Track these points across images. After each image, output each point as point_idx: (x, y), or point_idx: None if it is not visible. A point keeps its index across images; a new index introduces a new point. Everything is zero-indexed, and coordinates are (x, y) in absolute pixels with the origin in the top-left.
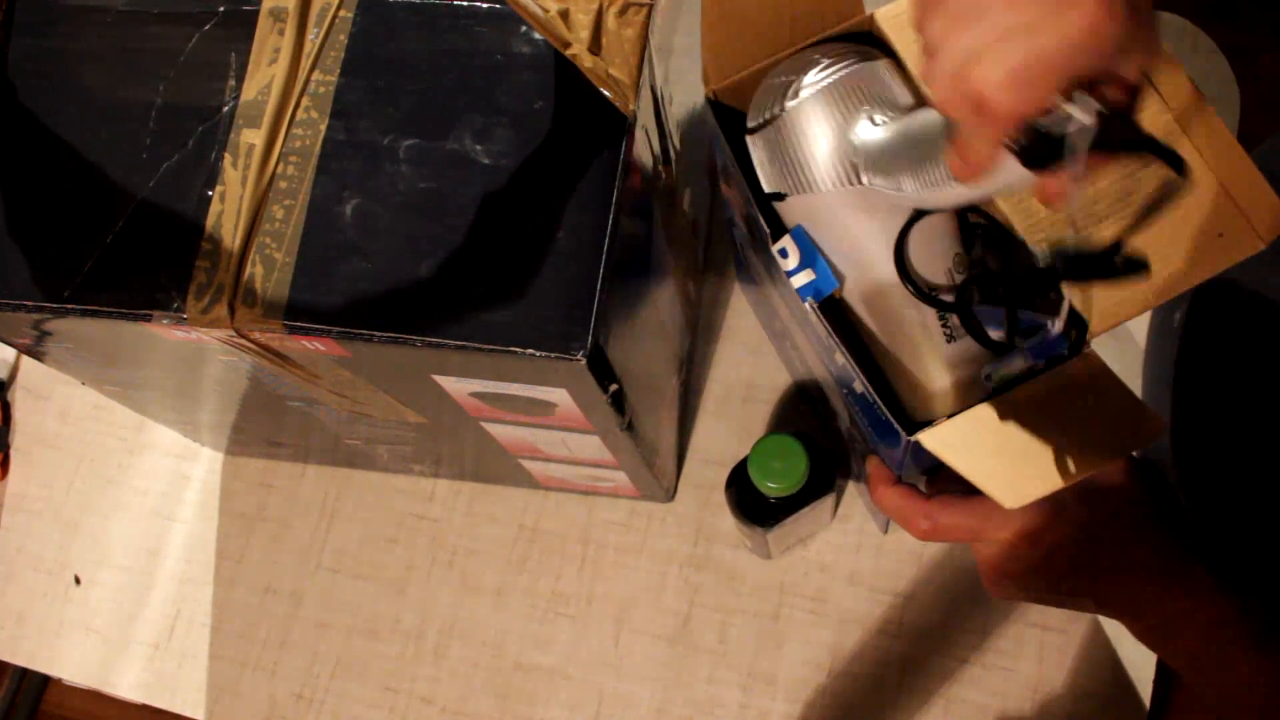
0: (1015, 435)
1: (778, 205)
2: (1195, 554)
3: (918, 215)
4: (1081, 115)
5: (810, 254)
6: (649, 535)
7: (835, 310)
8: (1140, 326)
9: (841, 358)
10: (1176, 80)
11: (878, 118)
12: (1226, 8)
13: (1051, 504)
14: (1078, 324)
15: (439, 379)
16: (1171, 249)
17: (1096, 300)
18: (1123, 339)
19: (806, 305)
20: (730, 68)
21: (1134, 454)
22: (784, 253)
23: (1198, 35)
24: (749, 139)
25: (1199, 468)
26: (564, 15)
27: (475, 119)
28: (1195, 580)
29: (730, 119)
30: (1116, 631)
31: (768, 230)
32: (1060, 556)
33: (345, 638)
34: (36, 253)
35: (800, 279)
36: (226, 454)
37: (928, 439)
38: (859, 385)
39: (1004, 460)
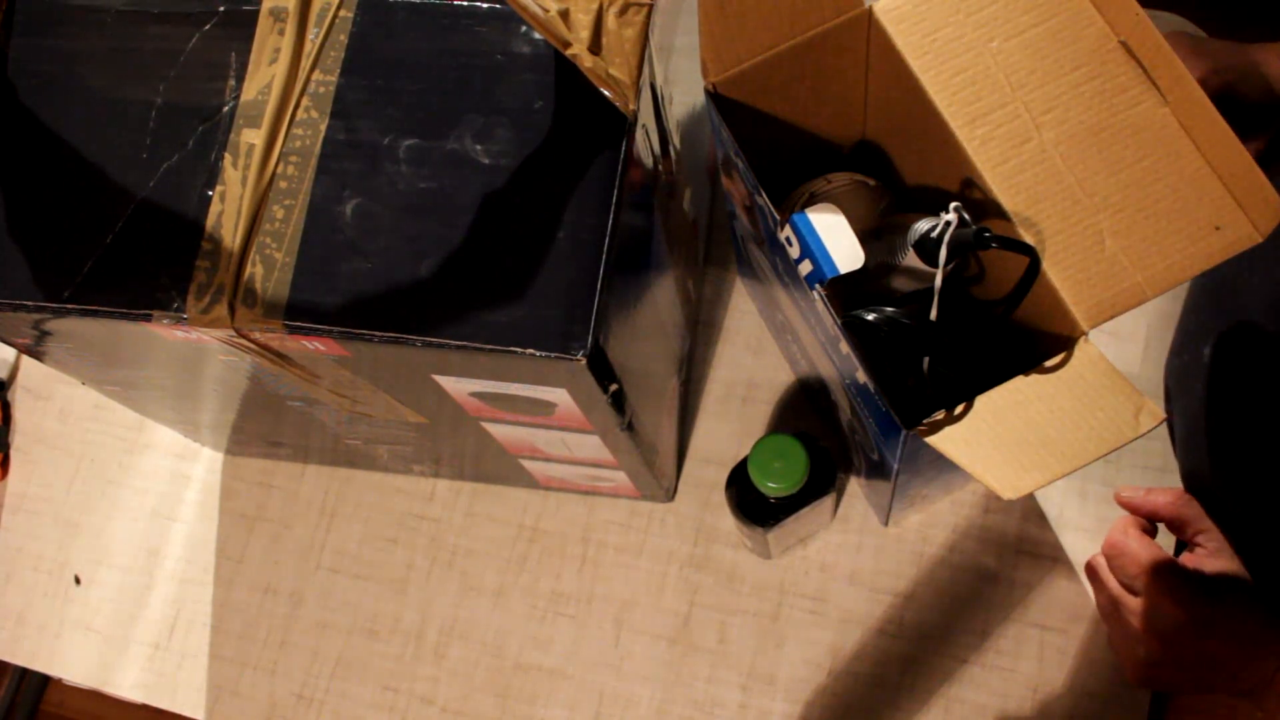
0: (1014, 427)
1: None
2: None
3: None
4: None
5: (809, 243)
6: (649, 535)
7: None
8: (1140, 325)
9: (845, 348)
10: (1174, 74)
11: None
12: (1226, 8)
13: (1184, 620)
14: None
15: (439, 379)
16: (1169, 241)
17: (1092, 293)
18: (1122, 337)
19: (815, 293)
20: (729, 59)
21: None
22: (788, 241)
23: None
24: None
25: (1246, 503)
26: (564, 15)
27: (475, 119)
28: None
29: (730, 110)
30: None
31: (778, 216)
32: (1201, 667)
33: (345, 638)
34: (36, 253)
35: (800, 269)
36: (226, 454)
37: (926, 432)
38: (861, 376)
39: (1002, 452)
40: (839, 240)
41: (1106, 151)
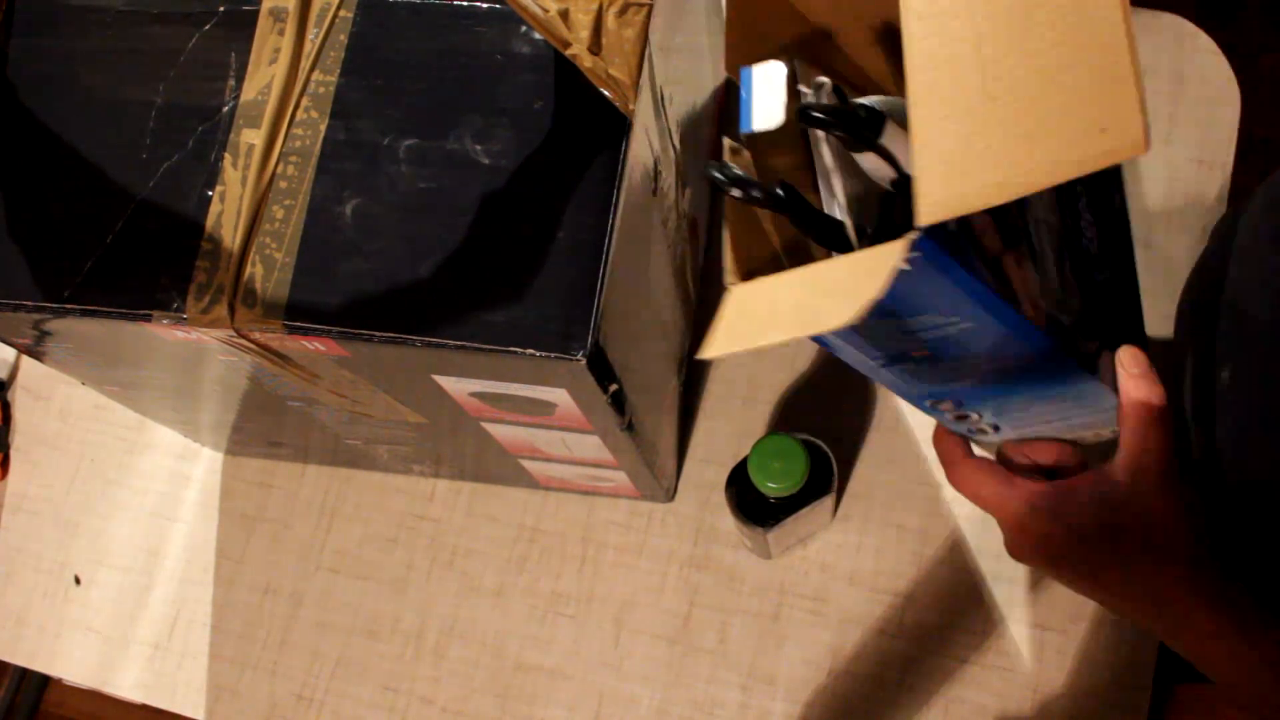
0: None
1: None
2: (1202, 564)
3: None
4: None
5: (741, 97)
6: (649, 535)
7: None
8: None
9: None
10: None
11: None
12: (1226, 8)
13: (1069, 496)
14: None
15: (439, 379)
16: (1050, 141)
17: (945, 186)
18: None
19: (725, 140)
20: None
21: (1169, 479)
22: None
23: (1198, 35)
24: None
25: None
26: (564, 15)
27: (475, 119)
28: (1205, 580)
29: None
30: (1117, 632)
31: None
32: (1073, 549)
33: (345, 638)
34: (36, 253)
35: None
36: (226, 454)
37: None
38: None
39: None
40: (768, 97)
41: (1031, 29)
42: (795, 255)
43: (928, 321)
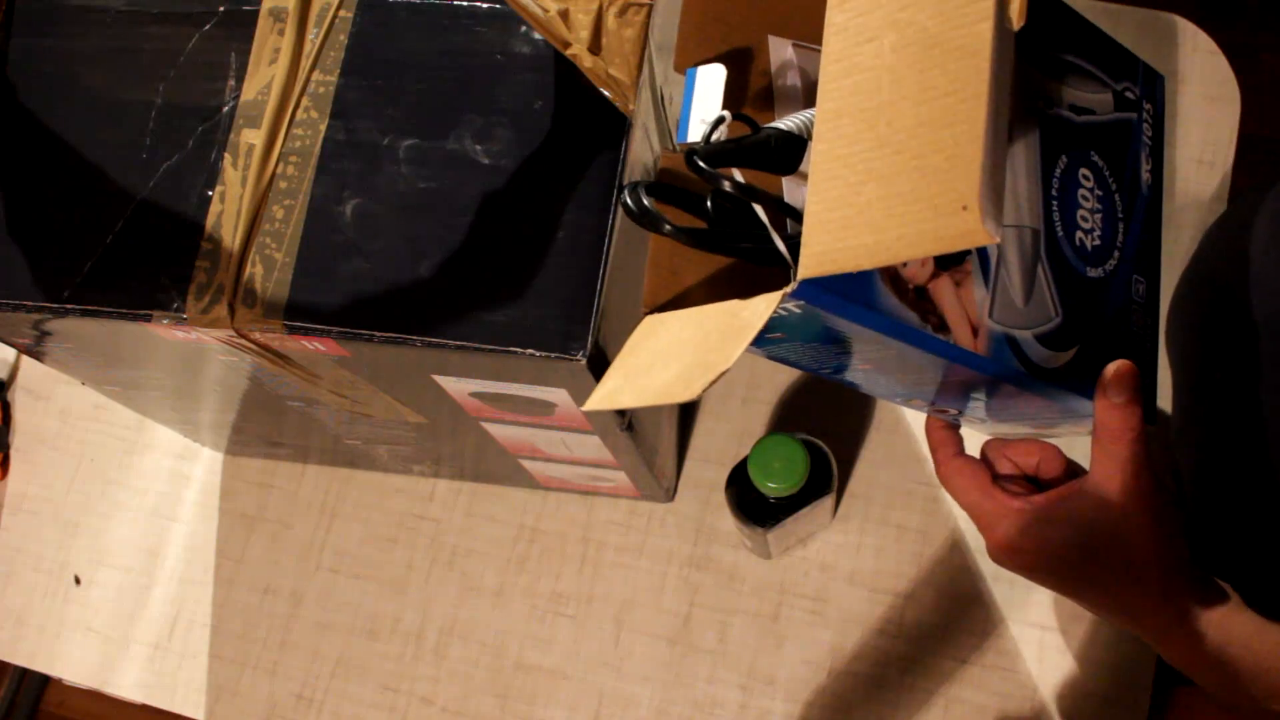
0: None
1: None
2: (1176, 582)
3: None
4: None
5: (684, 103)
6: (649, 535)
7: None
8: None
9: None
10: None
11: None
12: (1226, 8)
13: (1043, 516)
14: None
15: (439, 379)
16: (917, 208)
17: (825, 239)
18: None
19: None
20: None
21: (1152, 478)
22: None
23: (1198, 35)
24: None
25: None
26: (564, 15)
27: (475, 119)
28: (1181, 595)
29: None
30: (1116, 632)
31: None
32: (1049, 565)
33: (345, 638)
34: (36, 253)
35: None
36: (226, 454)
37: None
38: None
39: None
40: (707, 104)
41: (927, 73)
42: (729, 275)
43: (854, 346)
